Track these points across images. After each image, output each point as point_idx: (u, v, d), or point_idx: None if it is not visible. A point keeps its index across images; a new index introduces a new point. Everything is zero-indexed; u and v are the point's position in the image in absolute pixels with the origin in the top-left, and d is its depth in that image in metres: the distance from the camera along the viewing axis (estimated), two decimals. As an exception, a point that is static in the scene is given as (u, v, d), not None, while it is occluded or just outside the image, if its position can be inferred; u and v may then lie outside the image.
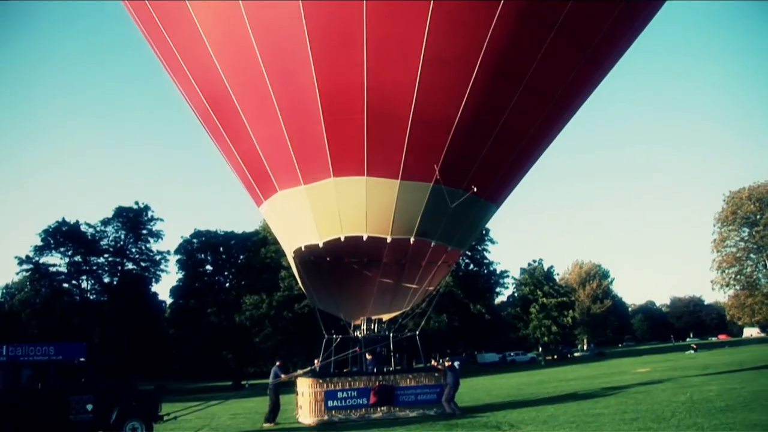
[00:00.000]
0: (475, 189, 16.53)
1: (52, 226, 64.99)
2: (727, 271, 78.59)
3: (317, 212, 16.37)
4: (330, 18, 14.03)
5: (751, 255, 78.21)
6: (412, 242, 16.81)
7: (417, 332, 19.16)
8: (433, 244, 17.34)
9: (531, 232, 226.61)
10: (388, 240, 16.41)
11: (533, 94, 16.04)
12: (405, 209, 16.12)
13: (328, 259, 18.08)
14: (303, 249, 17.40)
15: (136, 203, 70.34)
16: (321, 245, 16.77)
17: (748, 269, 79.05)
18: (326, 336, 18.49)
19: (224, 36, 14.97)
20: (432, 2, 13.62)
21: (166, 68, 17.73)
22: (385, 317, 19.46)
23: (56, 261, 65.65)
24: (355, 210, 15.99)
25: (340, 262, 18.54)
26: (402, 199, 15.92)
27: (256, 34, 14.47)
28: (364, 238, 16.37)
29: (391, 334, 18.83)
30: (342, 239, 16.46)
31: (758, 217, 75.98)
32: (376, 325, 18.81)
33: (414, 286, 19.35)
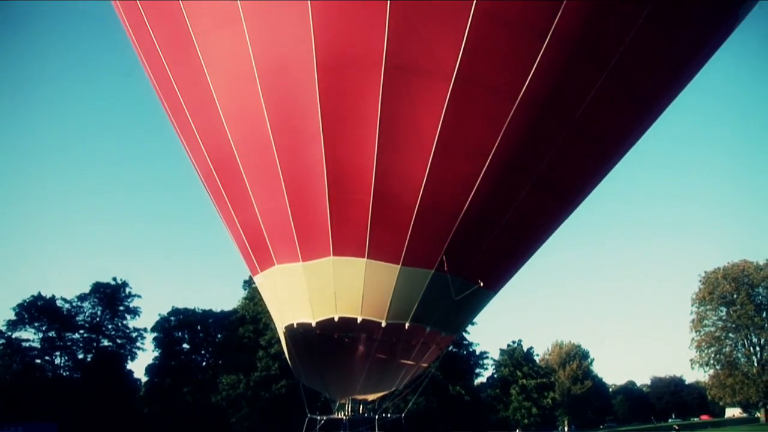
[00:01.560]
0: (482, 284, 16.35)
1: (27, 301, 63.18)
2: (706, 350, 78.53)
3: (313, 290, 15.96)
4: (344, 96, 13.80)
5: (730, 334, 78.44)
6: (407, 327, 16.39)
7: (402, 415, 18.90)
8: (428, 330, 16.99)
9: (510, 312, 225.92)
10: (383, 324, 15.94)
11: (542, 188, 15.99)
12: (403, 295, 15.72)
13: (318, 332, 17.52)
14: (295, 326, 16.96)
15: (114, 279, 69.01)
16: (314, 324, 16.33)
17: (727, 348, 79.11)
18: (309, 415, 17.89)
19: (237, 102, 14.73)
20: (449, 91, 13.44)
21: (175, 126, 17.41)
22: (371, 397, 18.89)
23: (29, 336, 63.92)
24: (351, 291, 15.58)
25: (330, 337, 18.01)
26: (401, 284, 15.51)
27: (268, 104, 14.21)
28: (359, 321, 15.93)
29: (376, 416, 18.26)
30: (336, 319, 16.02)
31: (735, 296, 76.60)
32: (361, 406, 18.54)
33: (408, 362, 18.88)
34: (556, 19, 13.15)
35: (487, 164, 14.54)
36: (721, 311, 78.68)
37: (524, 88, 13.78)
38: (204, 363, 70.07)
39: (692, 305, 79.40)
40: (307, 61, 13.55)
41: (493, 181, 14.84)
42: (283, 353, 18.58)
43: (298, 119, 14.30)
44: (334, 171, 14.52)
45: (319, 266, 15.67)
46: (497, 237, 16.25)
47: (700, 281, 79.63)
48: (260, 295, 59.16)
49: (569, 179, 16.98)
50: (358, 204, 14.78)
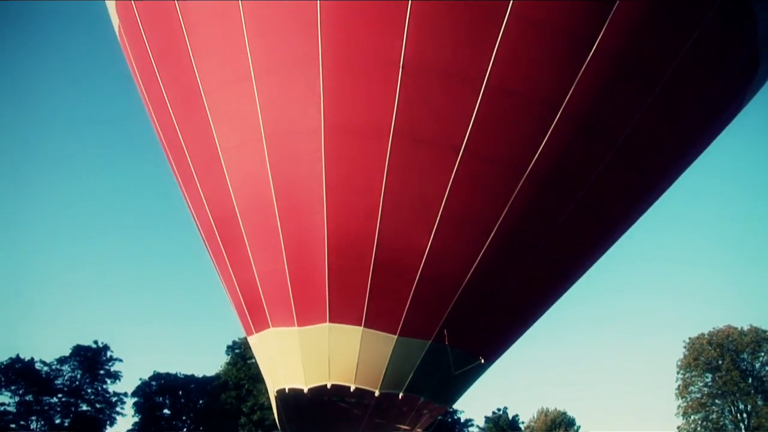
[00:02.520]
0: (483, 360, 16.18)
1: (5, 363, 61.71)
2: (692, 417, 77.67)
3: (307, 356, 15.66)
4: (350, 162, 13.77)
5: (716, 401, 77.45)
6: (400, 397, 16.03)
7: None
8: (422, 400, 16.69)
9: (495, 378, 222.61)
10: (376, 394, 15.59)
11: (544, 263, 15.95)
12: (398, 365, 15.45)
13: (309, 397, 16.93)
14: (287, 391, 16.52)
15: (96, 342, 67.91)
16: (306, 390, 15.93)
17: (714, 415, 77.94)
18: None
19: (242, 161, 14.65)
20: (457, 163, 13.44)
21: (179, 180, 17.26)
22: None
23: (5, 400, 62.11)
24: (346, 359, 15.29)
25: (322, 403, 17.36)
26: (397, 354, 15.25)
27: (273, 165, 14.13)
28: (352, 389, 15.56)
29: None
30: (328, 386, 15.63)
31: (720, 362, 76.07)
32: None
33: (401, 427, 18.43)
34: (567, 97, 13.28)
35: (491, 237, 14.44)
36: (707, 377, 77.95)
37: (532, 163, 13.80)
38: (185, 429, 68.06)
39: (678, 372, 78.76)
40: (315, 126, 13.51)
41: (495, 255, 14.72)
42: (266, 420, 18.18)
43: (302, 183, 14.19)
44: (336, 237, 14.33)
45: (315, 332, 15.37)
46: (497, 309, 16.09)
47: (685, 347, 79.26)
48: (243, 361, 58.04)
49: (571, 255, 16.96)
50: (358, 272, 14.57)
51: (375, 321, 15.09)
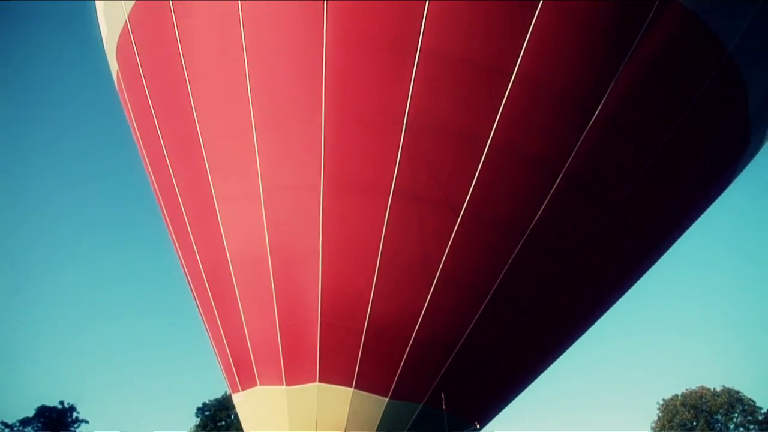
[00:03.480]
0: (478, 426, 15.77)
1: (-38, 424, 59.75)
2: (669, 480, 77.14)
3: (294, 416, 15.04)
4: (347, 220, 13.52)
5: (692, 464, 77.42)
6: None
7: None
8: None
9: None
10: None
11: (539, 325, 15.78)
12: (388, 428, 14.87)
13: None
14: None
15: (61, 403, 65.86)
16: None
17: (690, 477, 77.86)
18: None
19: (238, 214, 14.34)
20: (457, 223, 13.24)
21: (170, 229, 16.86)
22: None
23: (-38, 464, 59.42)
24: (334, 421, 14.69)
25: None
26: (387, 417, 14.72)
27: (269, 219, 13.82)
28: None
29: None
30: None
31: (694, 423, 76.01)
32: None
33: None
34: (569, 160, 13.26)
35: (487, 300, 14.14)
36: (682, 439, 77.80)
37: (531, 225, 13.65)
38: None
39: (652, 436, 78.38)
40: (315, 182, 13.26)
41: (491, 318, 14.41)
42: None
43: (298, 239, 13.86)
44: (330, 295, 13.90)
45: (303, 392, 14.75)
46: (491, 373, 15.72)
47: (659, 409, 79.01)
48: (213, 424, 56.31)
49: (565, 319, 16.75)
50: (351, 332, 14.12)
51: (366, 382, 14.54)
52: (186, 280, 17.34)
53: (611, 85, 13.15)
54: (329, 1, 12.62)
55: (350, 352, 14.35)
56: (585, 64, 13.12)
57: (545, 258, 14.57)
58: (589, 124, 13.23)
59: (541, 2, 12.34)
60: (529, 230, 13.80)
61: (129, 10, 15.43)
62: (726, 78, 14.28)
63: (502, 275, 14.02)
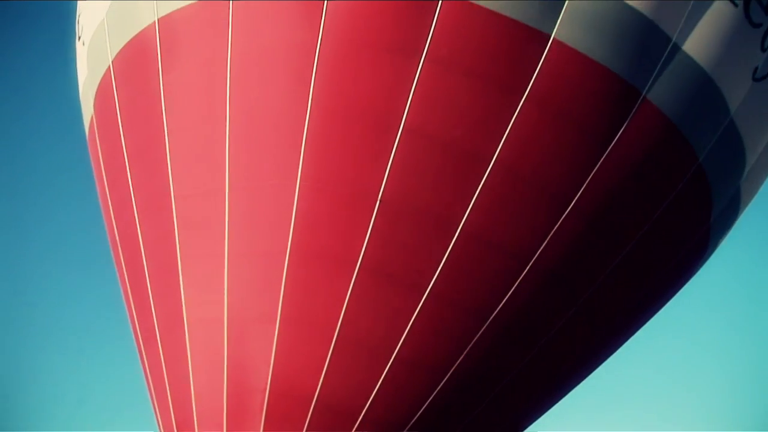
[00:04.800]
0: None
1: None
2: None
3: None
4: (310, 292, 13.26)
5: None
6: None
7: None
8: None
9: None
10: None
11: (497, 409, 15.43)
12: None
13: None
14: None
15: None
16: None
17: None
18: None
19: (200, 273, 13.91)
20: (420, 305, 13.02)
21: (125, 278, 16.23)
22: None
23: None
24: None
25: None
26: None
27: (231, 285, 13.38)
28: None
29: None
30: None
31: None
32: None
33: None
34: (539, 252, 13.22)
35: (443, 382, 13.82)
36: None
37: (495, 312, 13.49)
38: None
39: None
40: (281, 250, 12.95)
41: (448, 401, 14.13)
42: None
43: (257, 305, 13.52)
44: (281, 366, 13.37)
45: None
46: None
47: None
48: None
49: (523, 405, 16.64)
50: (299, 404, 13.60)
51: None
52: (135, 340, 16.68)
53: (587, 181, 13.28)
54: (317, 75, 12.57)
55: (296, 425, 13.69)
56: (563, 158, 13.27)
57: (507, 343, 14.37)
58: (562, 217, 13.29)
59: (525, 94, 12.55)
60: (492, 316, 13.60)
61: (114, 55, 15.20)
62: (695, 186, 14.60)
63: (461, 359, 13.73)
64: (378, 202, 12.71)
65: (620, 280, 14.88)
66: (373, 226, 12.79)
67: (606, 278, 14.56)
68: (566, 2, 12.46)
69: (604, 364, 18.30)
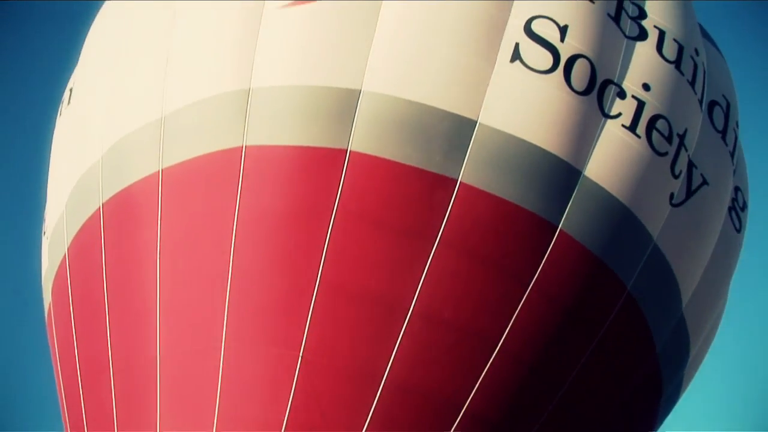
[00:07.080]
0: None
1: None
2: None
3: None
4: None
5: None
6: None
7: None
8: None
9: None
10: None
11: None
12: None
13: None
14: None
15: None
16: None
17: None
18: None
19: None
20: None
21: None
22: None
23: None
24: None
25: None
26: None
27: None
28: None
29: None
30: None
31: None
32: None
33: None
34: (469, 398, 12.75)
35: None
36: None
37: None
38: None
39: None
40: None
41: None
42: None
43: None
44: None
45: None
46: None
47: None
48: None
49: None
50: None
51: None
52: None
53: (512, 319, 13.04)
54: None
55: None
56: (484, 299, 13.12)
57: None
58: (491, 360, 12.92)
59: (438, 239, 12.58)
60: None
61: (69, 242, 15.32)
62: (627, 314, 14.02)
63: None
64: (300, 359, 12.36)
65: (563, 420, 14.24)
66: (296, 385, 12.26)
67: (548, 420, 13.96)
68: (470, 145, 12.87)
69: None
